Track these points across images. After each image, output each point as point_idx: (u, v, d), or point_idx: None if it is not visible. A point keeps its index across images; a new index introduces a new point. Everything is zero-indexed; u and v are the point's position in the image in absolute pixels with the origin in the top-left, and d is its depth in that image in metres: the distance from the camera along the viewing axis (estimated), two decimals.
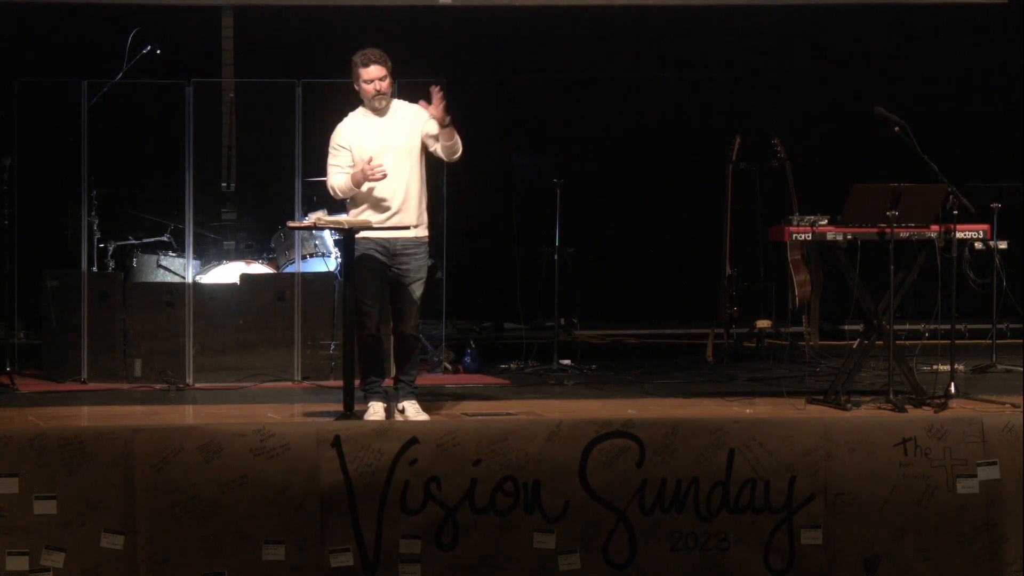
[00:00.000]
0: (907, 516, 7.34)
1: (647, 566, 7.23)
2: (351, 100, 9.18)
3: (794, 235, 9.58)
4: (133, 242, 11.49)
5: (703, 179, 12.89)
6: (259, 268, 11.31)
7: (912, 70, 13.78)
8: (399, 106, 9.05)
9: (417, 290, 8.95)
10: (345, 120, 9.07)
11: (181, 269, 11.21)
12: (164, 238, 11.55)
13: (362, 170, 8.76)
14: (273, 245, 11.63)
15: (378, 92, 8.92)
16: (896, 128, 9.42)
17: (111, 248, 11.32)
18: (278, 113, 11.18)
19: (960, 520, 7.36)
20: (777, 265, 11.94)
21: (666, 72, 13.91)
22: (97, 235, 11.15)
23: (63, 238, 11.59)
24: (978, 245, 9.79)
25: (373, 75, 8.91)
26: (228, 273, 11.21)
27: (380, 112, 8.98)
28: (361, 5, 12.84)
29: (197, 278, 11.12)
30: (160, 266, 11.33)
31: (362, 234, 8.87)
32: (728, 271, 12.19)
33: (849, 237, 9.45)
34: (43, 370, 11.08)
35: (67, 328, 10.91)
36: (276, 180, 11.47)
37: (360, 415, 8.86)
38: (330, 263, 11.43)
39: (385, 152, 8.89)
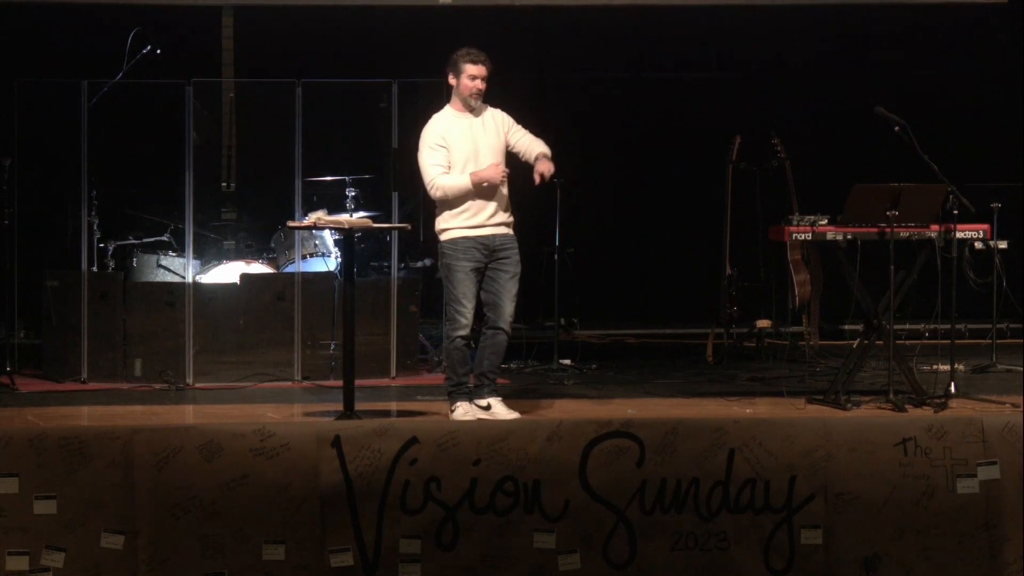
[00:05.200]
0: (907, 516, 7.33)
1: (647, 566, 7.23)
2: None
3: (794, 235, 9.59)
4: (133, 242, 11.49)
5: (703, 179, 12.90)
6: (259, 268, 11.31)
7: (912, 70, 13.78)
8: (487, 108, 9.15)
9: (515, 286, 9.04)
10: (436, 119, 9.12)
11: (181, 269, 11.21)
12: (164, 238, 11.55)
13: (491, 175, 8.90)
14: (273, 245, 11.63)
15: (478, 91, 9.02)
16: (896, 128, 9.42)
17: (111, 248, 11.32)
18: (278, 113, 11.19)
19: (960, 520, 7.36)
20: (777, 265, 11.94)
21: (666, 72, 13.92)
22: (97, 235, 11.15)
23: (63, 238, 11.59)
24: (978, 245, 9.78)
25: (477, 73, 9.02)
26: (228, 273, 11.21)
27: (473, 112, 9.07)
28: (361, 5, 12.84)
29: (197, 278, 11.12)
30: (160, 266, 11.33)
31: (460, 234, 8.97)
32: (728, 271, 12.19)
33: (849, 237, 9.45)
34: (43, 370, 11.09)
35: (67, 328, 10.91)
36: (276, 180, 11.48)
37: (360, 415, 8.86)
38: (330, 263, 11.43)
39: (479, 152, 9.02)
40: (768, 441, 7.30)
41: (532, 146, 9.17)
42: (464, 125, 9.05)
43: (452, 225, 9.01)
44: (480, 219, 9.00)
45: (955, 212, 9.39)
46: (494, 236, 9.02)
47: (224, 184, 11.96)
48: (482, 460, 7.17)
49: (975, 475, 7.37)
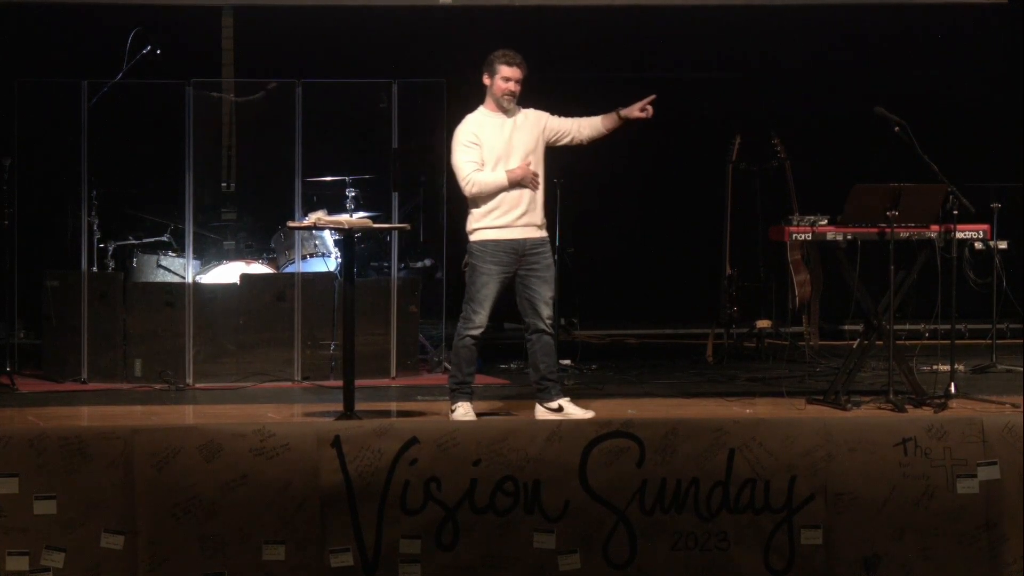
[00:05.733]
0: (907, 516, 7.33)
1: (647, 566, 7.23)
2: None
3: (794, 235, 9.59)
4: (133, 242, 11.48)
5: (703, 179, 12.89)
6: (259, 268, 11.31)
7: (912, 70, 13.78)
8: (520, 110, 9.15)
9: (549, 289, 9.04)
10: (468, 118, 9.11)
11: (181, 269, 11.20)
12: (164, 238, 11.55)
13: (524, 174, 8.91)
14: (273, 245, 11.63)
15: (511, 93, 9.02)
16: (896, 128, 9.42)
17: (111, 248, 11.31)
18: (278, 113, 11.19)
19: (960, 520, 7.36)
20: (777, 265, 11.95)
21: (666, 72, 13.91)
22: (97, 235, 11.15)
23: (63, 238, 11.58)
24: (978, 245, 9.78)
25: (512, 75, 9.03)
26: (228, 273, 11.20)
27: (507, 113, 9.06)
28: (361, 5, 12.84)
29: (197, 278, 11.12)
30: (160, 266, 11.32)
31: (490, 236, 8.96)
32: (728, 271, 12.19)
33: (849, 237, 9.45)
34: (43, 370, 11.09)
35: (67, 328, 10.91)
36: (276, 180, 11.48)
37: (360, 415, 8.86)
38: (330, 263, 11.43)
39: (512, 152, 9.02)
40: (768, 441, 7.30)
41: (586, 123, 9.18)
42: (497, 124, 9.05)
43: (482, 225, 8.98)
44: (509, 219, 8.97)
45: (955, 212, 9.39)
46: (524, 239, 8.99)
47: (224, 184, 11.95)
48: (482, 460, 7.17)
49: (975, 475, 7.37)
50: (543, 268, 9.02)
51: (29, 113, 11.05)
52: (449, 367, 11.30)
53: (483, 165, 8.96)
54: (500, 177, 8.93)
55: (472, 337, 9.01)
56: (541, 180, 9.05)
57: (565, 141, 9.19)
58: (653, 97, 9.13)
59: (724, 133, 12.47)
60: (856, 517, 7.31)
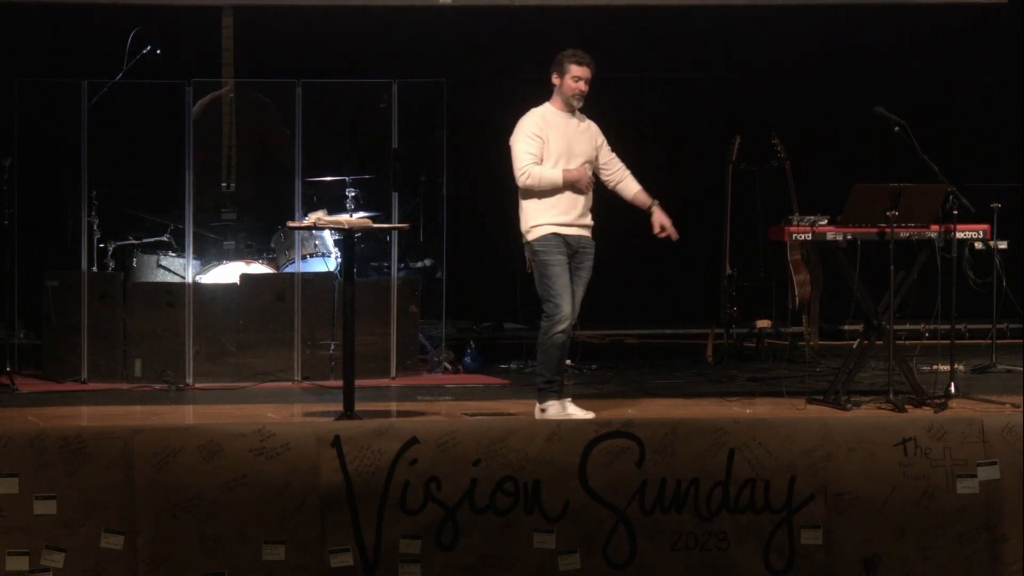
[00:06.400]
0: (907, 516, 7.33)
1: (647, 566, 7.23)
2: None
3: (794, 235, 9.59)
4: (133, 242, 11.48)
5: (703, 179, 12.89)
6: (259, 268, 11.31)
7: (912, 70, 13.78)
8: (582, 115, 9.19)
9: (584, 290, 9.14)
10: (535, 111, 9.13)
11: (181, 269, 11.20)
12: (164, 238, 11.54)
13: (580, 177, 8.96)
14: (273, 245, 11.63)
15: (581, 92, 9.07)
16: (896, 128, 9.43)
17: (111, 248, 11.31)
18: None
19: (960, 520, 7.36)
20: (777, 265, 11.94)
21: (666, 72, 13.91)
22: (97, 235, 11.15)
23: (63, 238, 11.59)
24: (978, 245, 9.79)
25: (582, 75, 9.07)
26: (228, 273, 11.21)
27: (572, 113, 9.11)
28: (361, 5, 12.83)
29: (197, 278, 11.12)
30: (160, 266, 11.33)
31: (551, 230, 8.98)
32: (728, 271, 12.19)
33: (849, 237, 9.46)
34: (43, 370, 11.09)
35: (67, 328, 10.91)
36: (276, 180, 11.48)
37: (360, 415, 8.86)
38: (330, 263, 11.43)
39: (573, 154, 9.07)
40: (768, 441, 7.30)
41: (627, 180, 9.28)
42: (562, 122, 9.08)
43: (543, 221, 9.00)
44: (570, 217, 9.02)
45: (955, 212, 9.39)
46: (579, 237, 9.06)
47: (224, 184, 11.95)
48: (482, 460, 7.17)
49: (975, 475, 7.37)
50: (585, 270, 9.12)
51: (29, 113, 11.05)
52: (449, 367, 11.36)
53: (542, 160, 8.96)
54: (556, 175, 8.97)
55: (562, 332, 9.00)
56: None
57: (603, 179, 9.25)
58: (675, 236, 9.27)
59: (724, 133, 12.47)
60: (856, 517, 7.31)
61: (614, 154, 9.29)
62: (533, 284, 11.25)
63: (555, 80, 9.13)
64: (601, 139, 9.24)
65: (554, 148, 9.01)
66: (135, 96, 11.33)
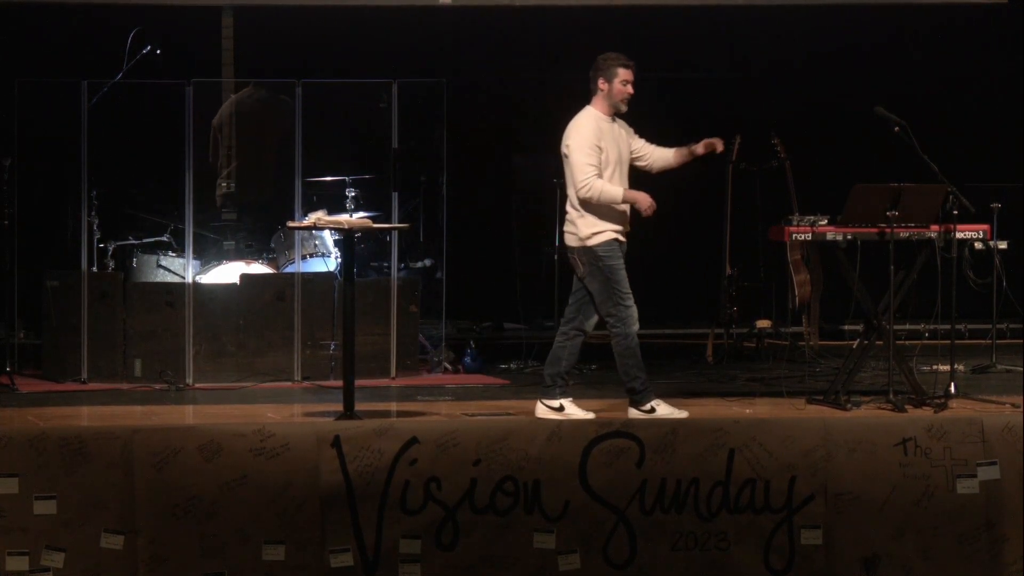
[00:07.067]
0: (907, 516, 7.34)
1: (647, 566, 7.23)
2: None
3: (794, 235, 9.59)
4: (133, 242, 11.48)
5: (703, 179, 12.87)
6: (259, 268, 11.30)
7: (912, 70, 13.77)
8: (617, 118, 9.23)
9: None
10: (589, 119, 9.11)
11: (181, 269, 11.20)
12: (164, 238, 11.54)
13: (641, 200, 9.03)
14: (273, 245, 11.62)
15: (628, 96, 9.12)
16: (896, 128, 9.43)
17: (111, 248, 11.30)
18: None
19: (960, 520, 7.36)
20: (777, 265, 11.94)
21: (666, 72, 13.90)
22: (97, 235, 11.14)
23: (63, 238, 11.58)
24: (978, 245, 9.79)
25: (629, 78, 9.14)
26: (228, 273, 11.20)
27: (615, 117, 9.13)
28: (361, 5, 12.83)
29: (197, 278, 11.12)
30: (160, 266, 11.32)
31: (611, 236, 9.06)
32: (728, 271, 12.19)
33: (849, 237, 9.46)
34: (43, 370, 11.08)
35: (67, 328, 10.91)
36: (276, 180, 11.47)
37: (360, 415, 8.86)
38: (330, 263, 11.42)
39: (621, 159, 9.13)
40: (768, 441, 7.30)
41: (658, 151, 9.28)
42: (612, 129, 9.11)
43: (602, 228, 9.04)
44: (625, 226, 9.14)
45: (955, 212, 9.39)
46: (624, 244, 9.17)
47: (224, 184, 11.95)
48: (482, 460, 7.17)
49: (975, 475, 7.37)
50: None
51: (29, 113, 11.04)
52: (449, 367, 11.34)
53: (601, 172, 8.98)
54: (617, 192, 9.01)
55: (636, 331, 9.12)
56: None
57: (640, 164, 9.27)
58: (720, 148, 9.26)
59: (724, 133, 12.44)
60: (856, 517, 7.32)
61: (643, 140, 9.31)
62: (533, 284, 11.28)
63: (602, 85, 9.10)
64: (630, 132, 9.25)
65: (611, 157, 9.04)
66: (135, 96, 11.33)
